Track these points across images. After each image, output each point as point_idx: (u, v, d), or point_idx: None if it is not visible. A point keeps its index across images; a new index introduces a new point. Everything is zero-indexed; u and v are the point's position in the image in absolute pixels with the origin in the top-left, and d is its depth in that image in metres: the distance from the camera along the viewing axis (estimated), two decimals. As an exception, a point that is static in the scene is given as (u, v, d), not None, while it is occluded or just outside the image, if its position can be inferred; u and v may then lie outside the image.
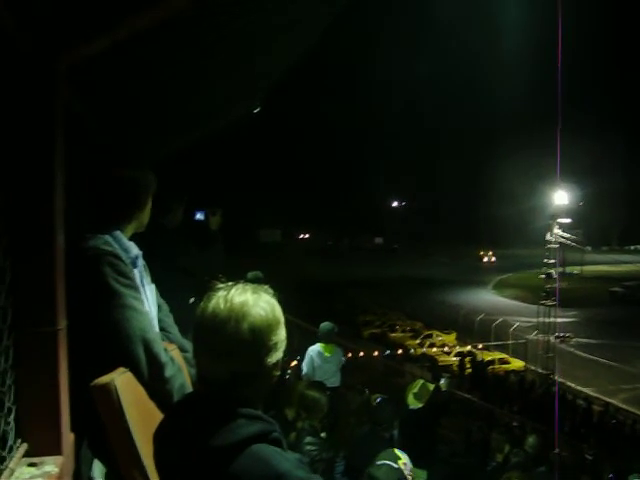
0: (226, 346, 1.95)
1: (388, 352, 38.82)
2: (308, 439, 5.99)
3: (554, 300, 40.61)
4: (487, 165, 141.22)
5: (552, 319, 40.87)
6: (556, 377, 32.40)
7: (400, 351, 40.35)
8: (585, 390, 34.10)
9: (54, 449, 2.61)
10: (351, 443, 6.69)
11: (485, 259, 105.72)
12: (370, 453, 6.16)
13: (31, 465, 2.51)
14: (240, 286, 2.06)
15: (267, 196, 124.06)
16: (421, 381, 8.80)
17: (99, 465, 3.09)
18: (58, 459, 2.59)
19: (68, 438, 2.73)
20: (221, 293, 2.03)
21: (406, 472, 4.62)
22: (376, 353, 36.17)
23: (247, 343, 1.95)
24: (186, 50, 4.18)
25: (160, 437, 2.07)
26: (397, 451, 4.74)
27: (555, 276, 41.25)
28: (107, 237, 3.04)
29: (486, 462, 10.26)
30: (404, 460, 4.61)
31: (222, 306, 1.98)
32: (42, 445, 2.58)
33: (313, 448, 5.93)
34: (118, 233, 3.12)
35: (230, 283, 2.08)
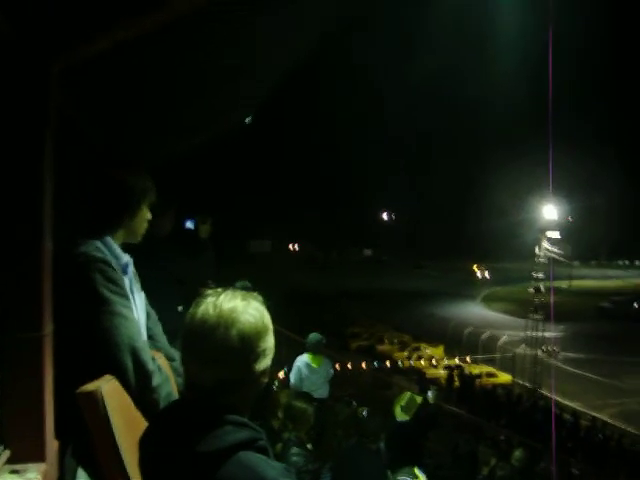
0: (214, 352, 1.93)
1: (376, 364, 38.82)
2: (294, 450, 5.96)
3: (542, 314, 40.77)
4: (477, 178, 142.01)
5: (540, 333, 40.99)
6: (552, 394, 32.34)
7: (388, 363, 40.36)
8: (572, 405, 34.11)
9: (37, 456, 2.58)
10: (338, 455, 6.66)
11: (479, 274, 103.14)
12: (357, 465, 6.14)
13: (13, 472, 2.49)
14: (229, 292, 2.05)
15: (257, 207, 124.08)
16: (408, 394, 8.79)
17: (83, 474, 3.05)
18: (41, 466, 2.56)
19: (52, 445, 2.71)
20: (210, 299, 2.01)
21: None
22: (364, 365, 36.16)
23: (236, 350, 1.94)
24: (177, 59, 4.18)
25: (146, 443, 2.05)
26: (417, 470, 4.72)
27: (543, 290, 41.40)
28: (98, 243, 3.01)
29: (473, 475, 10.26)
30: (422, 479, 4.61)
31: (211, 312, 1.96)
32: (25, 452, 2.56)
33: (299, 459, 5.90)
34: (109, 239, 3.09)
35: (219, 289, 2.07)
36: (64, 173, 3.19)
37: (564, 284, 74.72)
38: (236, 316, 1.96)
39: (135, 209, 3.22)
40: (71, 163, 3.74)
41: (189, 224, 6.51)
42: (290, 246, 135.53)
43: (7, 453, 2.53)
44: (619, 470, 21.07)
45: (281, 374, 12.95)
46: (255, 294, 2.10)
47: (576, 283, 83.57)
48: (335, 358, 14.08)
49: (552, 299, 39.74)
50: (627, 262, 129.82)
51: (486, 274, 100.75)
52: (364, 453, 6.47)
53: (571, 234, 58.19)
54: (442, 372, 38.65)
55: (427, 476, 4.89)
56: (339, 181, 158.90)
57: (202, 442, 1.87)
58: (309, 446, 6.27)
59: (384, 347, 45.78)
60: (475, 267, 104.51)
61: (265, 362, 2.03)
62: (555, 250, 43.63)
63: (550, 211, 44.47)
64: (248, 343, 1.96)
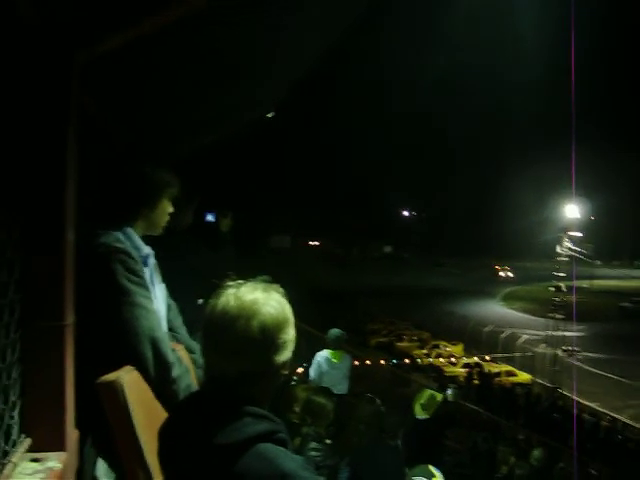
0: (235, 344, 1.93)
1: (395, 361, 38.76)
2: (313, 445, 5.95)
3: (562, 313, 40.51)
4: (499, 176, 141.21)
5: (560, 332, 40.74)
6: (568, 392, 32.27)
7: (407, 361, 40.28)
8: (592, 405, 33.88)
9: (58, 445, 2.59)
10: (357, 450, 6.64)
11: (502, 274, 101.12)
12: (376, 460, 6.12)
13: (34, 460, 2.50)
14: (250, 284, 2.04)
15: (278, 202, 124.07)
16: (428, 392, 8.77)
17: (103, 465, 3.07)
18: (61, 455, 2.57)
19: (72, 434, 2.72)
20: (231, 291, 2.01)
21: None
22: (383, 362, 36.10)
23: (256, 341, 1.93)
24: (201, 51, 4.18)
25: (165, 434, 2.05)
26: (432, 468, 4.71)
27: (564, 289, 41.13)
28: (118, 234, 3.02)
29: (492, 474, 10.22)
30: (438, 478, 4.58)
31: (232, 303, 1.96)
32: (46, 441, 2.56)
33: (317, 454, 5.89)
34: (129, 230, 3.10)
35: (240, 281, 2.07)
36: (85, 166, 3.20)
37: (585, 284, 74.19)
38: (257, 308, 1.96)
39: (154, 201, 3.22)
40: (92, 157, 3.76)
41: (210, 217, 6.52)
42: (310, 242, 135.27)
43: (28, 441, 2.54)
44: (638, 471, 20.87)
45: (300, 369, 12.98)
46: (276, 286, 2.09)
47: (597, 283, 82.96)
48: (354, 354, 14.04)
49: (574, 298, 39.49)
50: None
51: (510, 274, 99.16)
52: (383, 449, 6.45)
53: (593, 233, 57.86)
54: (461, 370, 38.51)
55: (445, 474, 4.87)
56: (361, 178, 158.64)
57: (221, 434, 1.87)
58: (328, 441, 6.26)
59: (403, 344, 45.67)
60: (498, 267, 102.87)
61: (285, 354, 2.03)
62: (577, 249, 43.32)
63: (572, 210, 44.16)
64: (269, 335, 1.96)
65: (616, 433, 27.56)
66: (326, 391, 6.89)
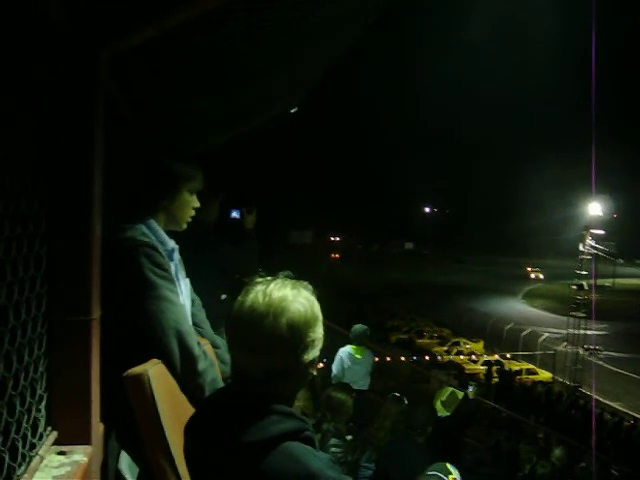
0: (263, 341, 1.92)
1: (415, 358, 38.72)
2: (333, 441, 5.96)
3: (584, 312, 40.26)
4: (521, 174, 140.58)
5: (582, 331, 40.49)
6: (589, 391, 32.09)
7: (427, 357, 40.21)
8: (613, 404, 33.66)
9: (83, 438, 2.60)
10: (384, 446, 6.64)
11: (533, 275, 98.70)
12: (403, 457, 6.11)
13: (60, 453, 2.51)
14: (279, 281, 2.03)
15: (299, 197, 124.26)
16: (450, 389, 8.72)
17: (126, 458, 3.08)
18: (87, 449, 2.58)
19: (98, 428, 2.73)
20: (260, 287, 1.99)
21: None
22: (403, 358, 36.07)
23: (284, 339, 1.92)
24: (227, 47, 4.17)
25: (191, 431, 2.05)
26: (449, 466, 4.67)
27: (586, 288, 40.87)
28: (143, 228, 3.03)
29: (514, 473, 10.18)
30: (455, 476, 4.54)
31: (260, 300, 1.95)
32: (72, 434, 2.58)
33: (338, 450, 5.91)
34: (154, 224, 3.10)
35: (269, 278, 2.06)
36: (111, 160, 3.21)
37: (608, 282, 73.71)
38: (286, 305, 1.95)
39: (174, 193, 3.21)
40: (117, 151, 3.77)
41: (235, 214, 6.52)
42: (331, 238, 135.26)
43: (54, 434, 2.55)
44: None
45: (320, 364, 12.99)
46: (305, 283, 2.08)
47: (620, 281, 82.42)
48: (375, 350, 14.04)
49: (594, 297, 39.26)
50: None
51: (540, 275, 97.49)
52: (411, 446, 6.44)
53: (616, 231, 57.39)
54: (481, 368, 38.40)
55: (466, 473, 4.83)
56: (383, 175, 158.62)
57: (248, 432, 1.86)
58: (348, 437, 6.26)
59: (423, 341, 45.61)
60: (530, 268, 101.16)
61: (313, 353, 2.01)
62: (599, 247, 43.02)
63: (595, 208, 43.87)
64: (297, 333, 1.94)
65: (638, 433, 27.36)
66: (346, 387, 6.90)
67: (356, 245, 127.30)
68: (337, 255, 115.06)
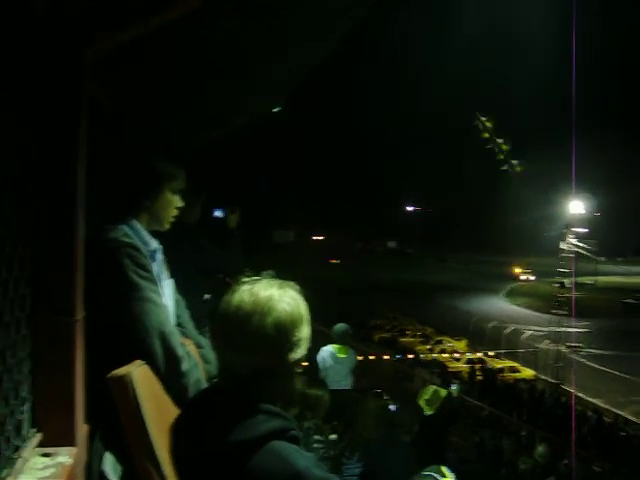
0: (249, 340, 1.93)
1: (398, 356, 38.83)
2: (315, 438, 5.98)
3: (566, 310, 40.53)
4: (503, 173, 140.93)
5: (564, 329, 40.76)
6: (570, 388, 32.31)
7: (410, 356, 40.32)
8: (595, 401, 33.90)
9: (68, 440, 2.59)
10: (369, 445, 6.66)
11: (523, 277, 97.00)
12: (389, 456, 6.14)
13: (45, 455, 2.50)
14: (266, 281, 2.04)
15: (282, 197, 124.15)
16: (433, 387, 8.78)
17: (110, 459, 3.07)
18: (72, 450, 2.57)
19: (82, 429, 2.72)
20: (246, 287, 2.01)
21: None
22: (386, 357, 36.16)
23: (271, 338, 1.93)
24: (206, 45, 4.18)
25: (178, 431, 2.06)
26: (444, 469, 4.68)
27: (568, 285, 41.14)
28: (126, 228, 3.02)
29: (498, 470, 10.25)
30: (450, 479, 4.56)
31: (247, 299, 1.96)
32: (56, 435, 2.57)
33: (320, 446, 5.92)
34: (136, 224, 3.10)
35: (255, 277, 2.07)
36: (94, 161, 3.20)
37: (589, 280, 74.11)
38: (272, 304, 1.96)
39: (155, 192, 3.20)
40: (100, 151, 3.76)
41: (217, 213, 6.51)
42: (314, 237, 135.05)
43: (39, 436, 2.54)
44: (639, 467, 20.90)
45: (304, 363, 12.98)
46: (291, 283, 2.09)
47: (602, 279, 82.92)
48: (358, 349, 14.08)
49: (573, 295, 39.53)
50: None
51: (530, 277, 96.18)
52: (397, 444, 6.47)
53: (597, 230, 57.70)
54: (464, 366, 38.59)
55: (451, 470, 4.86)
56: (365, 173, 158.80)
57: (234, 431, 1.87)
58: (333, 436, 6.27)
59: (406, 339, 45.79)
60: (519, 269, 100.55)
61: (300, 352, 2.03)
62: (581, 245, 43.30)
63: (576, 206, 44.12)
64: (284, 332, 1.96)
65: (619, 430, 27.57)
66: (318, 382, 6.92)
67: (339, 244, 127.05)
68: (335, 260, 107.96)
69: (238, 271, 2.37)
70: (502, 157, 55.54)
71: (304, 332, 2.03)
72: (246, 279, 2.06)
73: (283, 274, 2.21)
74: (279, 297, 1.99)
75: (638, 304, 66.05)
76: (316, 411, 6.24)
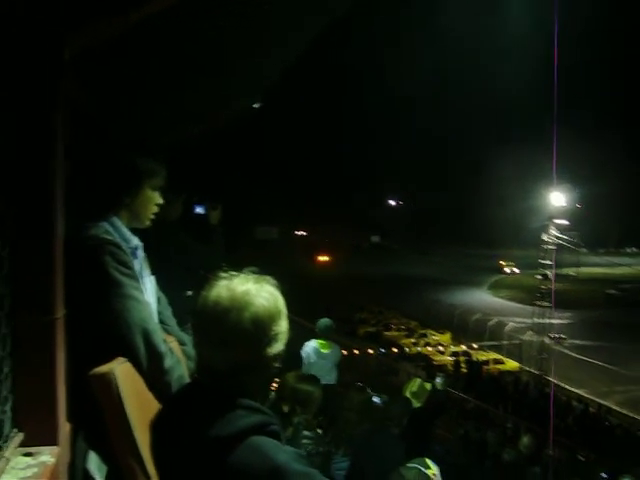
0: (227, 335, 1.93)
1: (383, 350, 38.91)
2: (304, 433, 5.97)
3: (549, 301, 40.74)
4: (485, 165, 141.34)
5: (547, 320, 40.98)
6: (552, 378, 32.48)
7: (395, 350, 40.42)
8: (578, 392, 34.14)
9: (50, 439, 2.58)
10: (357, 439, 6.66)
11: (507, 270, 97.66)
12: (379, 449, 6.14)
13: (27, 455, 2.49)
14: (243, 276, 2.05)
15: (264, 193, 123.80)
16: (419, 380, 8.80)
17: (95, 458, 3.06)
18: (54, 449, 2.57)
19: (64, 428, 2.71)
20: (223, 282, 2.01)
21: None
22: (371, 351, 36.24)
23: (248, 333, 1.94)
24: (186, 41, 4.16)
25: (158, 427, 2.05)
26: (429, 461, 4.71)
27: (551, 277, 41.35)
28: (107, 225, 3.01)
29: (483, 461, 10.30)
30: (434, 471, 4.59)
31: (224, 295, 1.96)
32: (38, 435, 2.56)
33: (309, 442, 5.92)
34: (117, 222, 3.09)
35: (233, 273, 2.07)
36: (73, 158, 3.18)
37: (572, 271, 74.49)
38: (249, 299, 1.96)
39: (135, 189, 3.19)
40: (80, 148, 3.74)
41: (199, 210, 6.50)
42: (298, 232, 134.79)
43: (20, 436, 2.53)
44: (624, 456, 21.08)
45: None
46: (268, 278, 2.10)
47: (584, 270, 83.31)
48: (343, 344, 14.09)
49: (553, 286, 39.77)
50: (635, 250, 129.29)
51: (515, 270, 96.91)
52: (384, 438, 6.48)
53: (579, 221, 57.98)
54: (449, 359, 38.73)
55: (436, 463, 4.89)
56: (347, 168, 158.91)
57: (214, 426, 1.87)
58: (319, 431, 6.27)
59: (391, 333, 45.88)
60: (503, 262, 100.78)
61: (278, 346, 2.03)
62: (563, 237, 43.53)
63: (558, 198, 44.31)
64: (261, 327, 1.96)
65: (603, 419, 27.80)
66: (311, 378, 6.91)
67: (323, 239, 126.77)
68: (326, 258, 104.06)
69: (219, 267, 2.37)
70: None
71: (282, 326, 2.04)
72: (224, 274, 2.07)
73: (267, 270, 2.22)
74: (256, 292, 1.99)
75: (620, 295, 66.61)
76: (307, 407, 6.24)
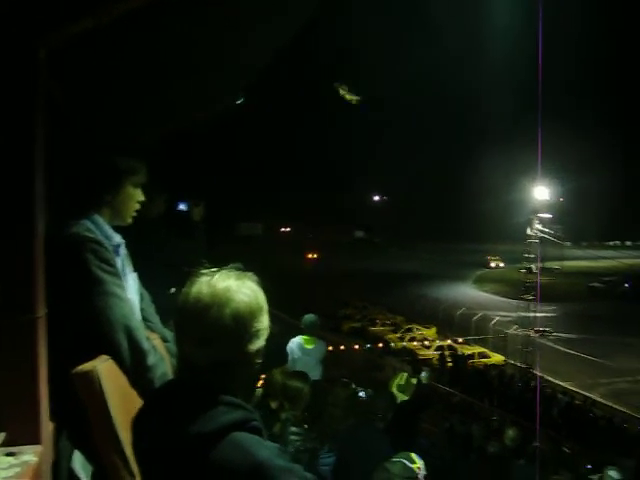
0: (208, 332, 1.93)
1: (369, 346, 38.94)
2: (292, 429, 5.97)
3: (534, 295, 40.95)
4: (469, 160, 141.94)
5: (532, 314, 41.19)
6: (537, 371, 32.66)
7: (380, 345, 40.43)
8: (564, 384, 34.31)
9: (33, 438, 2.57)
10: (344, 434, 6.66)
11: (493, 264, 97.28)
12: (364, 444, 6.15)
13: (9, 455, 2.48)
14: (223, 272, 2.04)
15: (248, 189, 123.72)
16: (405, 374, 8.81)
17: (80, 457, 3.05)
18: (37, 448, 2.56)
19: (47, 427, 2.70)
20: (204, 279, 2.01)
21: (419, 477, 4.61)
22: (356, 347, 36.26)
23: (229, 329, 1.93)
24: (168, 36, 4.14)
25: (139, 424, 2.05)
26: (414, 455, 4.73)
27: (535, 271, 41.57)
28: (88, 223, 3.00)
29: (468, 454, 10.33)
30: (419, 465, 4.60)
31: (205, 291, 1.96)
32: (20, 434, 2.55)
33: (297, 438, 5.92)
34: (99, 219, 3.08)
35: (214, 269, 2.06)
36: (52, 157, 3.17)
37: (556, 265, 74.78)
38: (230, 295, 1.96)
39: (117, 187, 3.19)
40: (58, 147, 3.72)
41: (182, 206, 6.49)
42: (282, 228, 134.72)
43: (2, 435, 2.52)
44: (609, 448, 21.22)
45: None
46: (250, 274, 2.09)
47: (568, 264, 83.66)
48: (328, 340, 14.10)
49: (539, 279, 40.01)
50: (618, 243, 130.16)
51: (501, 264, 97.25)
52: (369, 432, 6.49)
53: (563, 215, 58.32)
54: (434, 353, 38.78)
55: (422, 456, 4.90)
56: (331, 163, 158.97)
57: (195, 422, 1.87)
58: (305, 427, 6.27)
59: (376, 328, 45.88)
60: (490, 257, 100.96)
61: (259, 343, 2.03)
62: (547, 231, 43.75)
63: (541, 192, 44.50)
64: (242, 323, 1.96)
65: (588, 411, 27.96)
66: (300, 374, 6.91)
67: (307, 235, 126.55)
68: (314, 255, 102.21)
69: (201, 263, 2.36)
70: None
71: (263, 323, 2.04)
72: (204, 271, 2.06)
73: (251, 267, 2.21)
74: (237, 288, 1.99)
75: (604, 288, 66.97)
76: (296, 403, 6.23)
